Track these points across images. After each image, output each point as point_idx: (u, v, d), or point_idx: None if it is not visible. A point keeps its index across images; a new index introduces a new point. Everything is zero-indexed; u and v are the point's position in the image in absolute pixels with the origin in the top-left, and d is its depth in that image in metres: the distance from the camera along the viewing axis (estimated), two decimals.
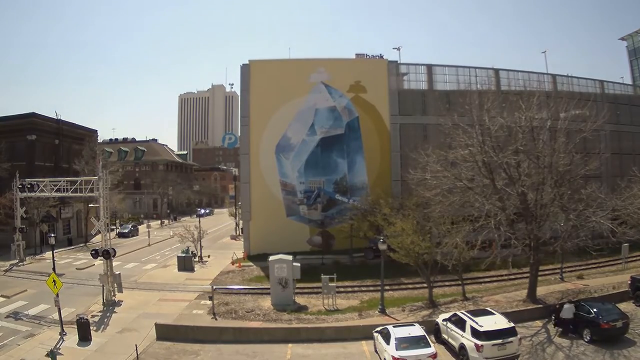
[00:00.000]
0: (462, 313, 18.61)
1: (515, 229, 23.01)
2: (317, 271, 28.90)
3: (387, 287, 24.81)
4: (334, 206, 43.42)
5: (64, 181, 35.45)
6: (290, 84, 43.42)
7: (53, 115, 55.44)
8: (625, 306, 22.93)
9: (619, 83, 53.45)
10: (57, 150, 55.15)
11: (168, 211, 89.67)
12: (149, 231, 55.95)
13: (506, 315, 18.65)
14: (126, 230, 60.76)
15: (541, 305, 23.02)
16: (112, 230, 48.98)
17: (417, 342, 16.55)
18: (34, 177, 42.39)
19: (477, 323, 17.09)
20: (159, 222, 78.93)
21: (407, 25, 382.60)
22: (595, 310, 18.82)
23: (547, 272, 28.07)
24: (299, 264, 26.90)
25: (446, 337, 18.85)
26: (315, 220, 43.26)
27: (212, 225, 67.00)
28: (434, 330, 19.59)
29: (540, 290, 24.95)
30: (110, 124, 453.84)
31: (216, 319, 23.60)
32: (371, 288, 27.70)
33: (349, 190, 43.65)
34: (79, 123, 61.62)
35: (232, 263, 38.28)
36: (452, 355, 18.02)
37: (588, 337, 18.46)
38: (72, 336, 20.69)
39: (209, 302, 25.22)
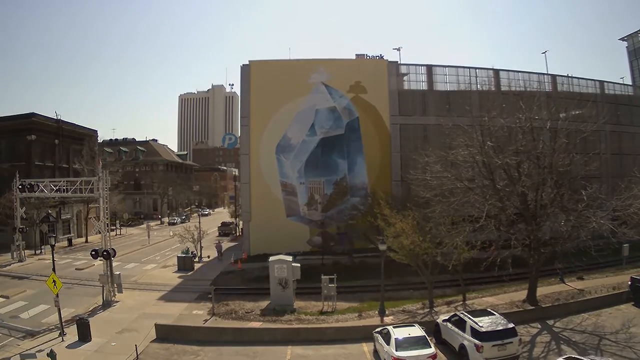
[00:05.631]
0: (462, 313, 18.61)
1: (515, 230, 22.98)
2: (317, 271, 28.86)
3: (387, 288, 24.77)
4: (333, 207, 43.42)
5: (63, 181, 35.52)
6: (290, 84, 43.42)
7: (53, 115, 55.60)
8: (625, 307, 22.97)
9: (619, 83, 53.54)
10: (57, 151, 55.22)
11: (168, 211, 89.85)
12: (148, 231, 55.98)
13: (506, 316, 18.63)
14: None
15: (541, 306, 23.05)
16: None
17: (417, 342, 16.53)
18: (34, 177, 42.49)
19: (477, 324, 17.09)
20: (159, 222, 79.00)
21: (407, 25, 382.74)
22: None
23: (547, 273, 28.01)
24: (299, 265, 26.90)
25: (446, 337, 18.84)
26: (315, 220, 43.25)
27: (212, 225, 66.98)
28: (434, 330, 19.56)
29: (540, 291, 24.93)
30: (110, 124, 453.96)
31: (216, 319, 23.61)
32: (371, 289, 27.65)
33: (349, 191, 43.66)
34: (79, 123, 61.76)
35: (232, 263, 38.29)
36: (453, 356, 17.99)
37: None
38: (72, 336, 20.68)
39: (208, 303, 25.23)
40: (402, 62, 45.80)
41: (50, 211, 49.77)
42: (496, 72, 45.99)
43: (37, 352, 18.61)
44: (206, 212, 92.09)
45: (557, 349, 18.14)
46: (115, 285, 27.61)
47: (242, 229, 53.23)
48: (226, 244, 52.80)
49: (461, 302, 24.59)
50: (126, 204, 73.49)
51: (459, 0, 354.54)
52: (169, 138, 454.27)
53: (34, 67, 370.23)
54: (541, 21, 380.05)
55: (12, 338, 20.92)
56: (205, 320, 23.58)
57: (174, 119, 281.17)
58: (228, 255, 41.69)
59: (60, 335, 20.79)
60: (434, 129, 40.22)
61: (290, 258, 26.99)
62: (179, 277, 35.03)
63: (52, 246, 26.84)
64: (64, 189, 34.54)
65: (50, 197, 39.57)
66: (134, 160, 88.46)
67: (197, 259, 40.36)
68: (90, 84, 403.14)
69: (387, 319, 22.21)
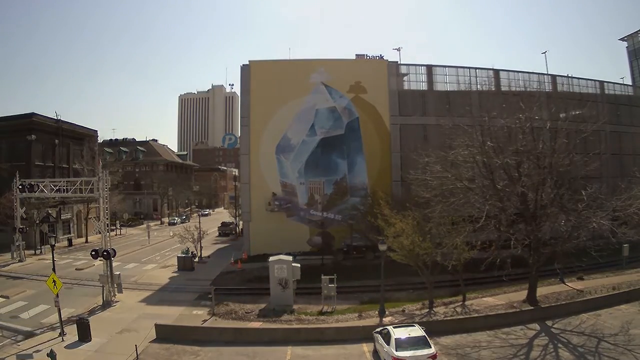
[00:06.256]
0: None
1: (515, 230, 22.98)
2: (317, 272, 28.85)
3: (387, 288, 24.77)
4: (333, 207, 43.43)
5: (63, 181, 35.55)
6: (290, 84, 43.42)
7: (53, 115, 55.57)
8: (625, 307, 22.94)
9: (619, 84, 53.56)
10: (57, 151, 55.17)
11: (168, 212, 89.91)
12: (148, 231, 55.99)
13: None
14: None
15: (541, 307, 23.02)
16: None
17: (417, 342, 16.52)
18: (34, 177, 42.49)
19: None
20: (159, 222, 79.02)
21: (407, 25, 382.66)
22: None
23: (547, 273, 28.02)
24: (298, 265, 26.90)
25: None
26: (315, 221, 43.24)
27: (213, 225, 66.94)
28: None
29: (540, 291, 24.91)
30: (110, 124, 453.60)
31: (216, 320, 23.61)
32: (371, 289, 27.65)
33: (349, 191, 43.65)
34: (79, 123, 61.70)
35: (232, 263, 38.29)
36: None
37: None
38: (72, 336, 20.66)
39: (208, 303, 25.23)
40: (402, 62, 45.80)
41: (50, 211, 49.75)
42: (496, 72, 45.96)
43: (37, 352, 18.63)
44: (206, 212, 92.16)
45: (555, 353, 17.99)
46: (115, 285, 27.61)
47: (242, 229, 53.25)
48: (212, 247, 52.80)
49: (461, 303, 24.58)
50: (126, 204, 73.43)
51: (459, 0, 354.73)
52: (169, 138, 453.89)
53: (34, 68, 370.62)
54: (541, 21, 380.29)
55: (12, 338, 20.88)
56: (205, 321, 23.58)
57: (174, 119, 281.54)
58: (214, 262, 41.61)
59: (60, 335, 20.78)
60: (434, 129, 40.18)
61: (290, 258, 27.00)
62: (179, 277, 35.02)
63: (52, 246, 26.85)
64: (64, 189, 34.54)
65: (50, 197, 39.56)
66: (134, 161, 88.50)
67: (197, 259, 40.36)
68: (90, 83, 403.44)
69: (387, 319, 22.20)
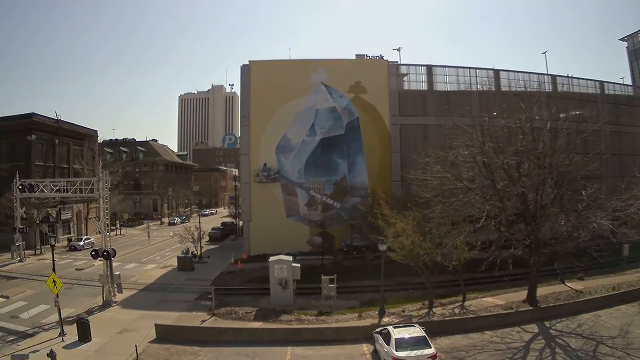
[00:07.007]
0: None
1: (515, 230, 22.97)
2: (317, 272, 28.85)
3: (387, 288, 24.77)
4: (334, 207, 43.41)
5: (63, 181, 35.55)
6: (290, 84, 43.44)
7: (53, 116, 55.55)
8: (625, 308, 22.92)
9: (619, 84, 53.61)
10: (57, 151, 55.14)
11: (168, 212, 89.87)
12: (148, 232, 55.98)
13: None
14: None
15: (540, 307, 23.01)
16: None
17: (417, 342, 16.54)
18: (34, 177, 42.47)
19: None
20: (159, 222, 79.01)
21: (407, 25, 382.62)
22: None
23: (547, 273, 28.02)
24: (298, 265, 26.90)
25: None
26: (315, 220, 43.23)
27: (213, 225, 66.87)
28: None
29: (540, 292, 24.88)
30: (110, 124, 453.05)
31: (216, 320, 23.61)
32: (371, 289, 27.65)
33: (349, 191, 43.65)
34: (79, 123, 61.66)
35: (232, 263, 38.29)
36: None
37: None
38: (72, 336, 20.67)
39: (208, 303, 25.21)
40: (402, 63, 45.90)
41: (50, 211, 49.75)
42: (496, 72, 45.99)
43: (35, 352, 18.63)
44: (206, 213, 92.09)
45: (552, 357, 17.83)
46: (115, 285, 27.61)
47: (241, 228, 53.23)
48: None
49: (460, 303, 24.57)
50: (126, 204, 73.42)
51: (459, 1, 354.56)
52: (169, 138, 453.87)
53: (34, 68, 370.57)
54: (541, 21, 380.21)
55: (12, 338, 20.87)
56: (205, 321, 23.58)
57: (174, 119, 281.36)
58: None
59: (60, 335, 20.78)
60: (434, 129, 40.22)
61: (290, 258, 27.01)
62: (179, 277, 35.01)
63: (52, 246, 26.86)
64: (64, 189, 34.54)
65: (50, 197, 39.56)
66: (134, 161, 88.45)
67: (196, 259, 40.36)
68: (90, 83, 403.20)
69: (387, 320, 22.20)
